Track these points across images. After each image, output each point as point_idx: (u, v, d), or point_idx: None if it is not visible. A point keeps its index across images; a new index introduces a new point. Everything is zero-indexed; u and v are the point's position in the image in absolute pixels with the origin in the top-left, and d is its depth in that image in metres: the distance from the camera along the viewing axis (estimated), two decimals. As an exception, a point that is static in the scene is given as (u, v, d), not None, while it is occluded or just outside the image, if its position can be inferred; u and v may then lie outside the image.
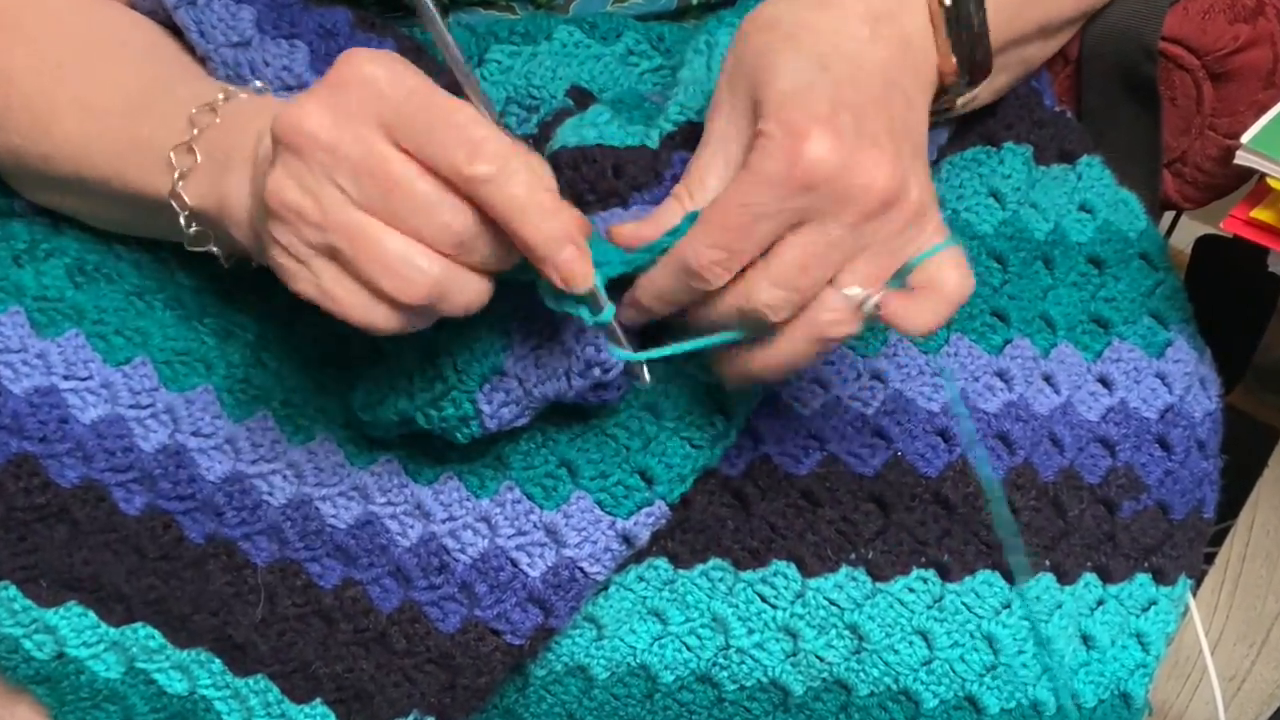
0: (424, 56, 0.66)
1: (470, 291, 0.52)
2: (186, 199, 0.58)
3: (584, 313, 0.54)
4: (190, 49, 0.66)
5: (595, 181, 0.61)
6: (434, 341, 0.59)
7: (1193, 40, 0.79)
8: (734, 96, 0.57)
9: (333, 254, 0.50)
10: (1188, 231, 1.05)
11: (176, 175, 0.58)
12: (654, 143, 0.62)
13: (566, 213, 0.50)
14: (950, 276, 0.57)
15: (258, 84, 0.61)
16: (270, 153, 0.51)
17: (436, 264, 0.50)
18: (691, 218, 0.56)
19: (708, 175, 0.58)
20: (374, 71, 0.49)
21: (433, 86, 0.50)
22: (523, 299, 0.57)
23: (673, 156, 0.62)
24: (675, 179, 0.61)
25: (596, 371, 0.60)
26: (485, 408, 0.59)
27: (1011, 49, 0.70)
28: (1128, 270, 0.77)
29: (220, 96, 0.58)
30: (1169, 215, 1.08)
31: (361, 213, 0.49)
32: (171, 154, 0.58)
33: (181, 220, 0.58)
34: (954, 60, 0.60)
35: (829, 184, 0.53)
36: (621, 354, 0.57)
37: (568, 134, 0.62)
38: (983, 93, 0.67)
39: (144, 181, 0.60)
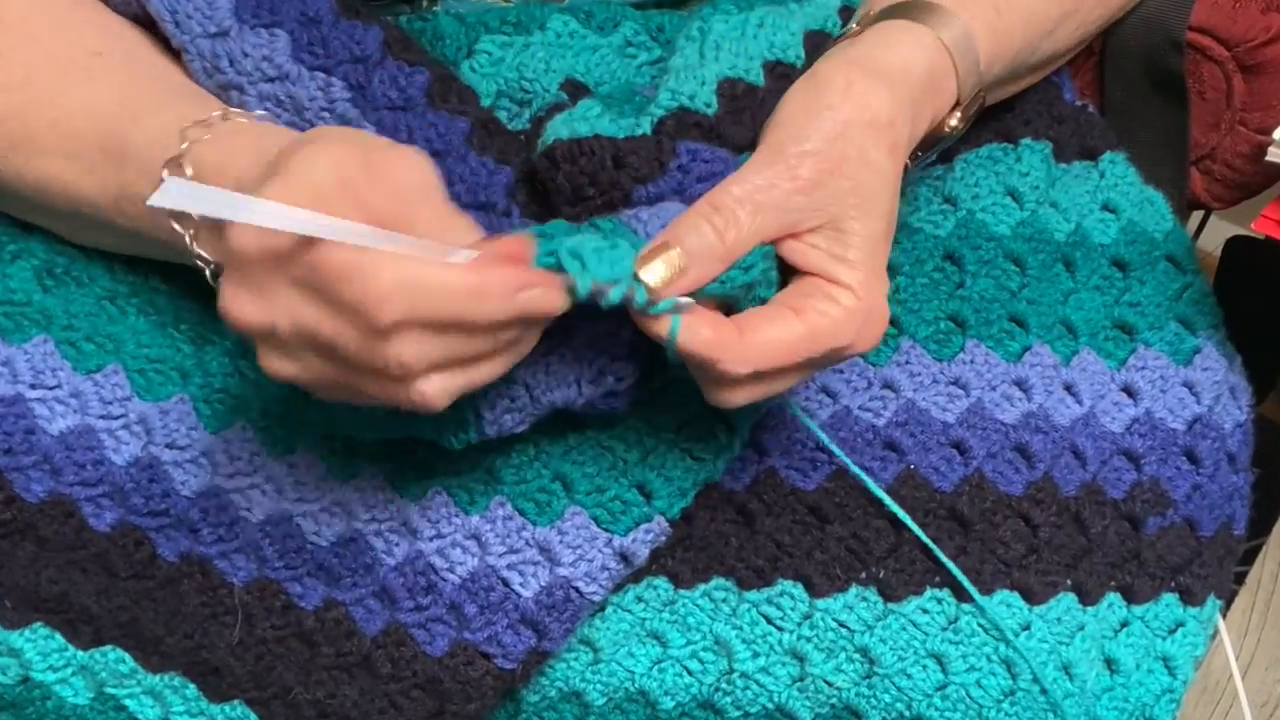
0: (411, 46, 0.66)
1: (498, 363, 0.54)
2: (207, 255, 0.59)
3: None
4: (166, 40, 0.66)
5: (595, 174, 0.61)
6: None
7: (1222, 30, 0.79)
8: (825, 175, 0.58)
9: (348, 390, 0.53)
10: (1217, 232, 1.06)
11: (189, 239, 0.59)
12: (647, 130, 0.62)
13: (495, 274, 0.51)
14: None
15: (232, 112, 0.61)
16: None
17: (436, 381, 0.52)
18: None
19: (746, 225, 0.58)
20: (257, 241, 0.50)
21: (316, 241, 0.50)
22: None
23: (677, 146, 0.62)
24: (681, 170, 0.61)
25: (610, 380, 0.60)
26: (486, 413, 0.59)
27: (1008, 83, 0.72)
28: (1153, 273, 0.77)
29: (184, 145, 0.59)
30: (1197, 215, 1.09)
31: (344, 363, 0.52)
32: (175, 224, 0.59)
33: (208, 274, 0.60)
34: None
35: (859, 355, 0.60)
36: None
37: (558, 128, 0.63)
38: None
39: (147, 226, 0.61)
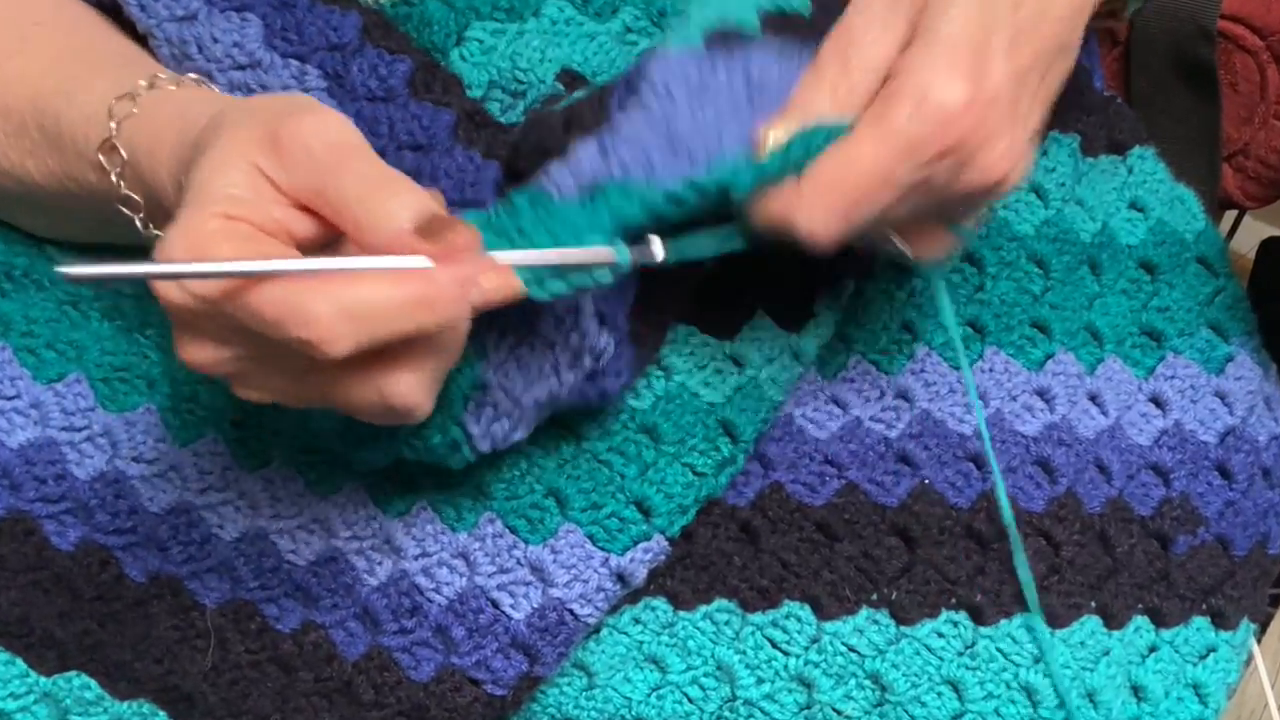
0: (392, 34, 0.66)
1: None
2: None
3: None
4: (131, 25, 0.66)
5: (548, 144, 0.59)
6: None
7: (1256, 19, 0.79)
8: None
9: (328, 403, 0.52)
10: (1251, 233, 1.05)
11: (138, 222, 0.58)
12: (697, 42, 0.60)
13: (441, 276, 0.49)
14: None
15: (159, 79, 0.60)
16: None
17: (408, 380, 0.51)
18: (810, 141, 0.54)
19: (868, 48, 0.55)
20: (186, 297, 0.49)
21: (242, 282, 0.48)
22: None
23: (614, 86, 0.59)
24: (618, 102, 0.58)
25: (587, 360, 0.59)
26: (474, 429, 0.59)
27: None
28: (1184, 276, 0.77)
29: (112, 125, 0.58)
30: (1230, 215, 1.08)
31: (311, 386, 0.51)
32: (125, 210, 0.58)
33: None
34: None
35: (964, 155, 0.53)
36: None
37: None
38: None
39: (98, 207, 0.60)
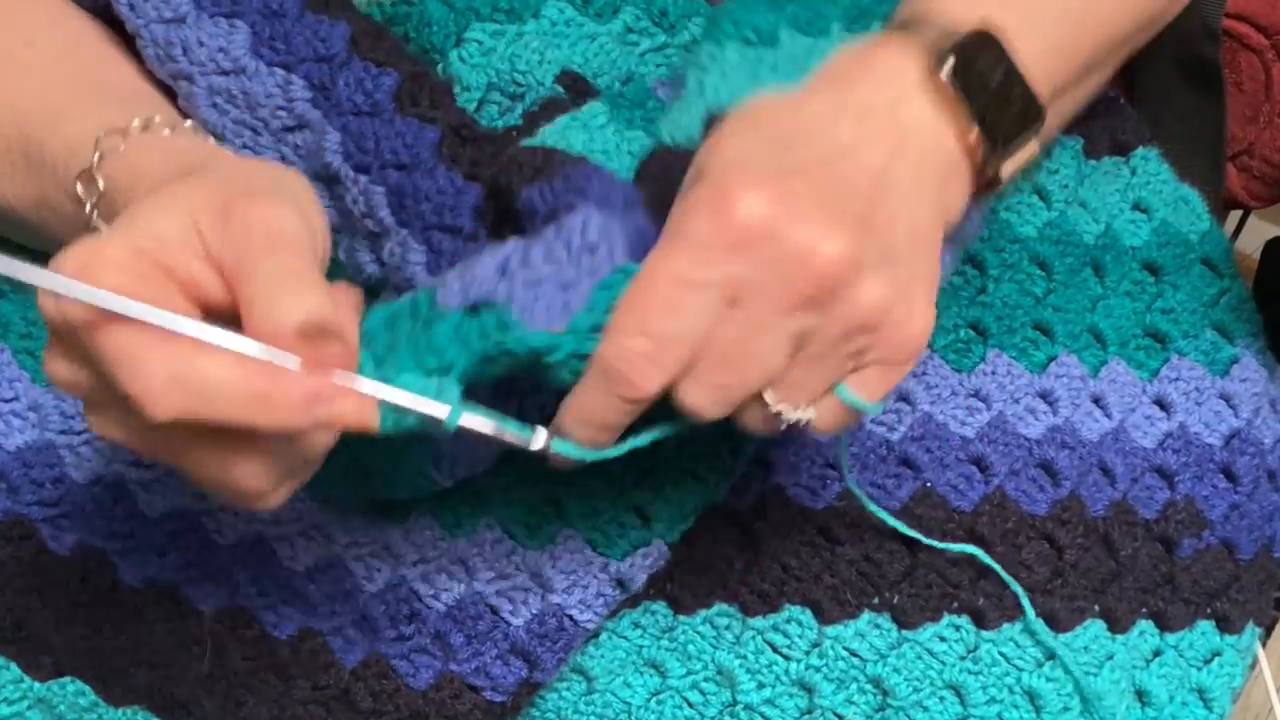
0: (380, 44, 0.66)
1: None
2: None
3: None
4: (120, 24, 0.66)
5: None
6: (359, 459, 0.58)
7: (1261, 17, 0.79)
8: (685, 189, 0.55)
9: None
10: (1255, 234, 1.05)
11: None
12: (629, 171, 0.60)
13: (288, 381, 0.48)
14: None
15: (156, 121, 0.60)
16: None
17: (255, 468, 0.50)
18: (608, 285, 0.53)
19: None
20: (56, 310, 0.48)
21: (110, 318, 0.48)
22: None
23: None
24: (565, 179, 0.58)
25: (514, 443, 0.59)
26: (434, 475, 0.59)
27: (1065, 93, 0.67)
28: (1188, 278, 0.77)
29: (97, 156, 0.58)
30: (1235, 216, 1.08)
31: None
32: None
33: None
34: (975, 132, 0.58)
35: (761, 245, 0.52)
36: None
37: (553, 136, 0.61)
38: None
39: (68, 234, 0.59)
